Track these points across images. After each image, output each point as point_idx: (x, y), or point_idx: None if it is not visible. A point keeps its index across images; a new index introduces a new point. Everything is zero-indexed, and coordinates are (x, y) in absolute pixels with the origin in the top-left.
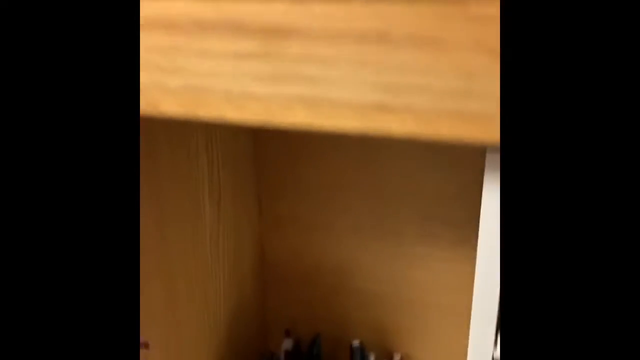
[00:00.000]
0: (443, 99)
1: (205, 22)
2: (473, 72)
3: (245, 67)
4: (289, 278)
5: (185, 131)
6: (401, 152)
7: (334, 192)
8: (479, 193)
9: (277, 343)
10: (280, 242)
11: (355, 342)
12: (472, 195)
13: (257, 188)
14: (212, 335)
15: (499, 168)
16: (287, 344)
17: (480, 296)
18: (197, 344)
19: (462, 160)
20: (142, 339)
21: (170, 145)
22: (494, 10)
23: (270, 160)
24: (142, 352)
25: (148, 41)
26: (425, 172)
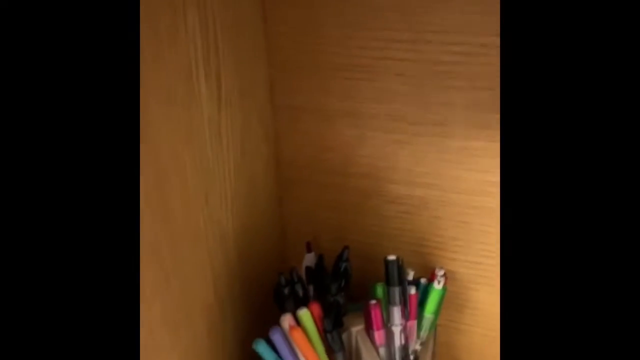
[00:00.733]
0: None
1: None
2: None
3: None
4: (310, 181)
5: None
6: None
7: (364, 70)
8: None
9: (297, 258)
10: (298, 135)
11: (391, 256)
12: None
13: (268, 65)
14: (218, 251)
15: None
16: (309, 259)
17: None
18: (198, 262)
19: None
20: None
21: None
22: None
23: (283, 27)
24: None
25: None
26: None
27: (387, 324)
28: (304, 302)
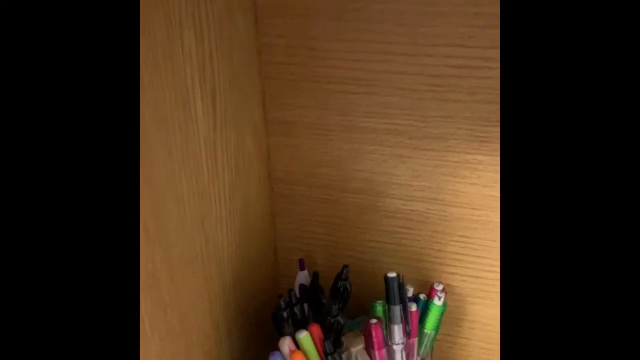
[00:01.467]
0: None
1: None
2: None
3: None
4: (303, 196)
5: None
6: None
7: (358, 84)
8: None
9: (289, 275)
10: (291, 150)
11: (391, 273)
12: None
13: (261, 79)
14: (214, 275)
15: None
16: (302, 277)
17: None
18: (195, 289)
19: None
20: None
21: (142, 15)
22: None
23: (277, 40)
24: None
25: None
26: None
27: (388, 343)
28: (302, 324)
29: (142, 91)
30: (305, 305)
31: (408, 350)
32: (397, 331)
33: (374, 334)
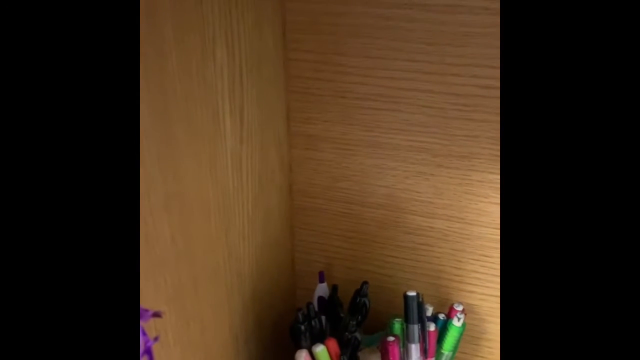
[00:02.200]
0: None
1: None
2: None
3: None
4: (324, 209)
5: (198, 16)
6: None
7: (384, 101)
8: None
9: (307, 288)
10: (313, 164)
11: (411, 292)
12: None
13: (287, 93)
14: (234, 287)
15: None
16: (321, 289)
17: None
18: (216, 301)
19: None
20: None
21: (179, 32)
22: None
23: (304, 55)
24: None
25: None
26: None
27: None
28: (320, 337)
29: (176, 107)
30: (323, 318)
31: None
32: (415, 350)
33: (390, 352)
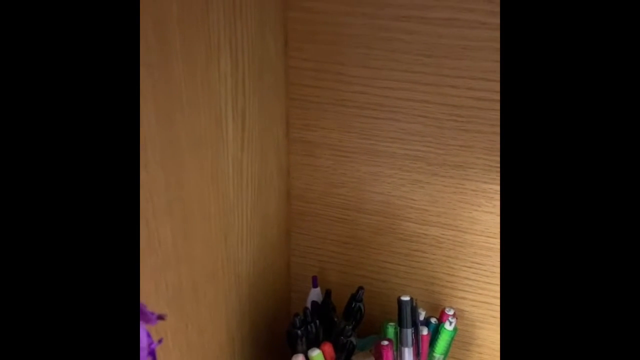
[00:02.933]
0: None
1: None
2: None
3: None
4: (319, 215)
5: (204, 24)
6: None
7: (381, 110)
8: None
9: (301, 292)
10: (311, 170)
11: (405, 297)
12: None
13: (286, 103)
14: (232, 291)
15: None
16: (315, 293)
17: None
18: (214, 304)
19: None
20: (158, 312)
21: (186, 40)
22: None
23: (305, 63)
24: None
25: None
26: None
27: None
28: (315, 342)
29: (181, 113)
30: (317, 322)
31: None
32: (408, 354)
33: (384, 355)
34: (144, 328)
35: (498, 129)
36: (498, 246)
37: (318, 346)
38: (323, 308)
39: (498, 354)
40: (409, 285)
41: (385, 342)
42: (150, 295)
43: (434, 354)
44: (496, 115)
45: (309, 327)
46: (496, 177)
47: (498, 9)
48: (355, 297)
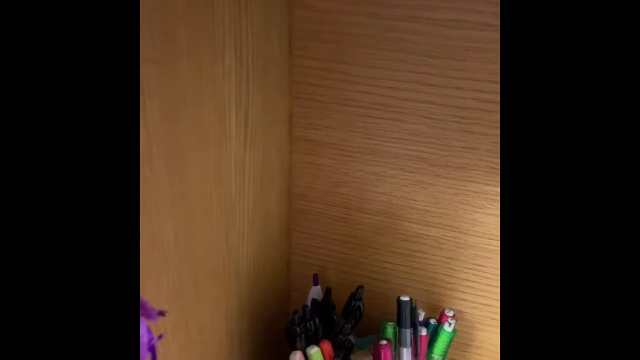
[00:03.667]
0: None
1: None
2: None
3: None
4: (321, 213)
5: (209, 21)
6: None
7: (385, 110)
8: None
9: (300, 290)
10: (312, 168)
11: (404, 297)
12: None
13: (289, 101)
14: (232, 287)
15: None
16: (315, 291)
17: None
18: (215, 300)
19: None
20: (158, 308)
21: (191, 37)
22: None
23: (309, 62)
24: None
25: None
26: None
27: None
28: (314, 339)
29: (185, 110)
30: (317, 320)
31: None
32: (406, 354)
33: (383, 355)
34: (144, 324)
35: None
36: (499, 248)
37: (317, 344)
38: (323, 306)
39: (497, 356)
40: (409, 286)
41: (384, 342)
42: (151, 291)
43: (433, 355)
44: (499, 118)
45: (308, 324)
46: (499, 179)
47: None
48: (355, 296)
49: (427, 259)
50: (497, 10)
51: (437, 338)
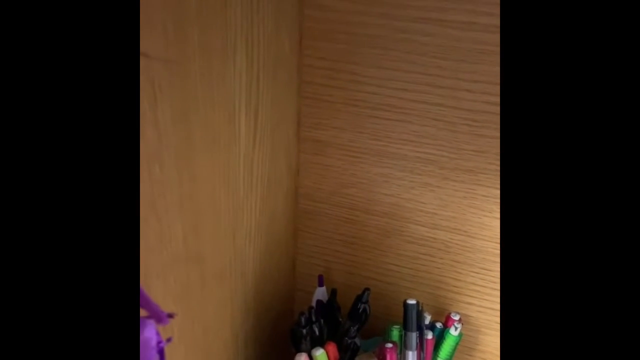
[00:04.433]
0: None
1: None
2: None
3: None
4: (327, 214)
5: (222, 20)
6: None
7: (394, 112)
8: None
9: (305, 290)
10: (320, 169)
11: (411, 300)
12: None
13: (298, 101)
14: (238, 288)
15: None
16: (320, 292)
17: None
18: (221, 301)
19: None
20: (166, 309)
21: (204, 36)
22: None
23: (319, 62)
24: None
25: None
26: None
27: None
28: (319, 341)
29: (195, 109)
30: (321, 321)
31: None
32: (412, 357)
33: (388, 358)
34: (153, 327)
35: None
36: None
37: (322, 346)
38: (328, 308)
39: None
40: (415, 289)
41: (390, 345)
42: (159, 291)
43: (438, 359)
44: None
45: (313, 326)
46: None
47: None
48: (361, 299)
49: (434, 262)
50: None
51: (442, 342)
